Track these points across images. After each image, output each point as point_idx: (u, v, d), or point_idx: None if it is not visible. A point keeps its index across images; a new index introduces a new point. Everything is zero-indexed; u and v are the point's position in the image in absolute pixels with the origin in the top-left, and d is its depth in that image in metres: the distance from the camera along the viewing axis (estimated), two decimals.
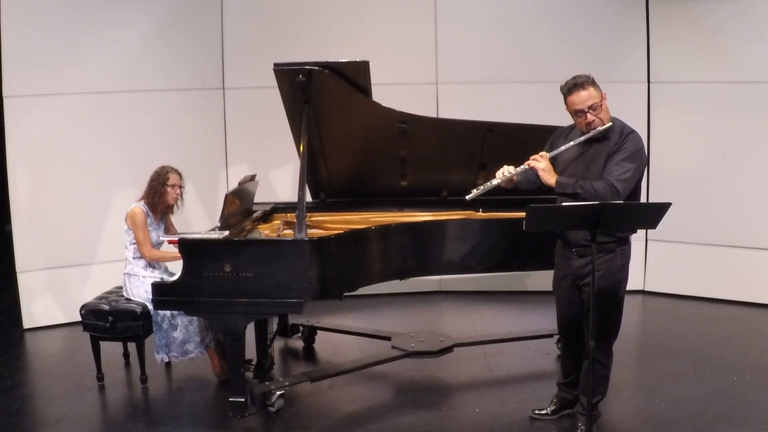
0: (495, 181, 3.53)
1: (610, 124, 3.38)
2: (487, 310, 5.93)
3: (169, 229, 4.57)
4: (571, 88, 3.35)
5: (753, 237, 5.75)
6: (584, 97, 3.32)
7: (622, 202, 3.26)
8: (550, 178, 3.43)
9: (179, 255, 4.19)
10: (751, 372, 4.37)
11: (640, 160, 3.37)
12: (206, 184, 5.96)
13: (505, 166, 3.54)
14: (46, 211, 5.52)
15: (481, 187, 3.57)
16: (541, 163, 3.44)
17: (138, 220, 4.33)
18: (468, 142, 4.54)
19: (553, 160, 3.50)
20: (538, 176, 3.52)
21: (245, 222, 4.41)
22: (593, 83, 3.35)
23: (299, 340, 5.05)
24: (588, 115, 3.34)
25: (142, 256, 4.38)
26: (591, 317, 3.26)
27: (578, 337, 3.65)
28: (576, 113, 3.37)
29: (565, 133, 3.57)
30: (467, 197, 3.63)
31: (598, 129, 3.36)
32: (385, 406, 4.13)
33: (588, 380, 3.43)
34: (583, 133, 3.42)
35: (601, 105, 3.35)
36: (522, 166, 3.50)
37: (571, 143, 3.43)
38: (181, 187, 4.48)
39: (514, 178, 3.55)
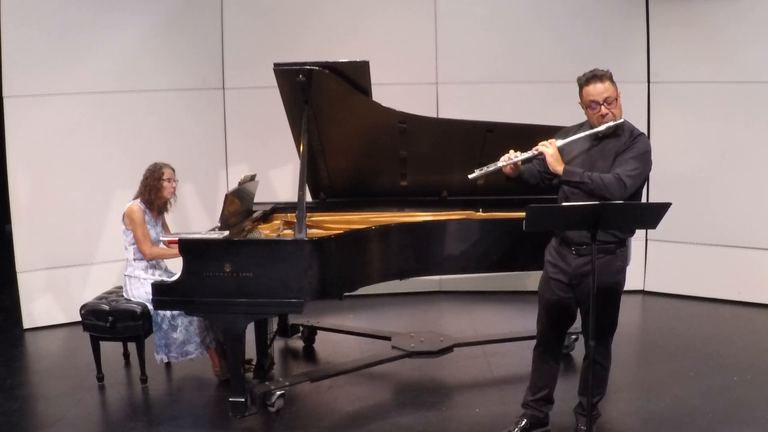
0: (500, 164, 3.47)
1: (623, 120, 3.37)
2: (487, 310, 5.93)
3: (163, 229, 4.56)
4: (589, 78, 3.34)
5: (753, 237, 5.75)
6: (601, 89, 3.31)
7: (621, 202, 3.26)
8: (558, 165, 3.37)
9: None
10: (751, 372, 4.37)
11: (647, 161, 3.36)
12: (206, 184, 5.96)
13: (511, 151, 3.49)
14: (46, 211, 5.52)
15: (485, 168, 3.51)
16: (549, 149, 3.39)
17: (136, 218, 4.32)
18: (468, 142, 4.54)
19: (561, 153, 3.46)
20: (540, 169, 3.49)
21: (245, 222, 4.40)
22: (611, 78, 3.35)
23: (299, 340, 5.05)
24: (602, 107, 3.32)
25: (142, 255, 4.38)
26: (591, 317, 3.25)
27: (558, 348, 3.60)
28: (590, 104, 3.35)
29: (573, 130, 3.54)
30: (470, 176, 3.55)
31: (609, 124, 3.34)
32: (385, 406, 4.13)
33: (587, 380, 3.42)
34: (593, 128, 3.40)
35: (616, 100, 3.34)
36: (529, 152, 3.44)
37: (582, 134, 3.41)
38: (176, 180, 4.49)
39: (519, 164, 3.49)
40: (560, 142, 3.43)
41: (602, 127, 3.35)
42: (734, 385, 4.20)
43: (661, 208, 3.17)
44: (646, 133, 5.94)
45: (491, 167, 3.49)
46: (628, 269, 4.65)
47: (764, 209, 5.68)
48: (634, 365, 4.70)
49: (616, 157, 3.35)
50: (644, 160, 3.34)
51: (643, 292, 6.19)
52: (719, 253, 5.89)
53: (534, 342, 3.67)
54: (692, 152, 5.90)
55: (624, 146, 3.35)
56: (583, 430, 3.48)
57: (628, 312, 5.75)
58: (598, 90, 3.31)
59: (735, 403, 3.96)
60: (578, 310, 3.55)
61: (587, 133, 3.40)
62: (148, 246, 4.35)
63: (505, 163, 3.46)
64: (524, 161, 3.48)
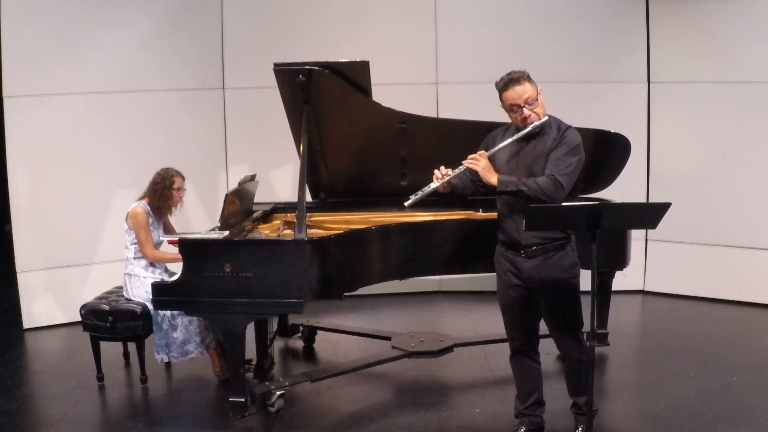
0: (433, 185, 3.40)
1: (547, 118, 3.33)
2: (487, 310, 5.91)
3: (167, 229, 4.56)
4: (506, 83, 3.29)
5: (753, 237, 5.75)
6: (520, 91, 3.27)
7: (621, 202, 3.26)
8: (491, 176, 3.33)
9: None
10: (751, 372, 4.37)
11: (580, 154, 3.33)
12: (206, 184, 5.96)
13: (443, 168, 3.43)
14: (46, 211, 5.52)
15: (419, 192, 3.44)
16: (480, 162, 3.34)
17: (140, 220, 4.33)
18: (468, 142, 4.50)
19: (490, 160, 3.40)
20: (474, 179, 3.44)
21: (245, 222, 4.40)
22: (529, 78, 3.31)
23: (299, 340, 5.05)
24: (524, 109, 3.29)
25: (144, 256, 4.38)
26: (591, 317, 3.25)
27: (533, 349, 3.57)
28: (512, 108, 3.31)
29: (500, 134, 3.50)
30: (406, 204, 3.50)
31: (535, 124, 3.30)
32: (385, 406, 4.13)
33: (579, 381, 3.45)
34: (519, 130, 3.36)
35: (537, 99, 3.31)
36: (459, 168, 3.40)
37: (510, 139, 3.36)
38: (184, 189, 4.50)
39: (452, 180, 3.44)
40: (490, 152, 3.38)
41: (528, 128, 3.31)
42: (734, 385, 4.20)
43: (661, 208, 3.16)
44: (645, 133, 5.99)
45: (426, 190, 3.42)
46: (629, 269, 4.68)
47: (764, 209, 5.68)
48: (634, 365, 4.70)
49: (548, 154, 3.31)
50: (576, 152, 3.31)
51: (643, 292, 6.19)
52: (719, 253, 5.89)
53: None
54: (692, 152, 5.90)
55: (554, 143, 3.32)
56: (582, 429, 3.48)
57: (628, 312, 5.77)
58: (517, 93, 3.27)
59: (735, 403, 3.96)
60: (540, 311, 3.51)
61: (515, 137, 3.35)
62: (151, 248, 4.36)
63: (438, 184, 3.40)
64: (455, 177, 3.42)
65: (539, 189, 3.23)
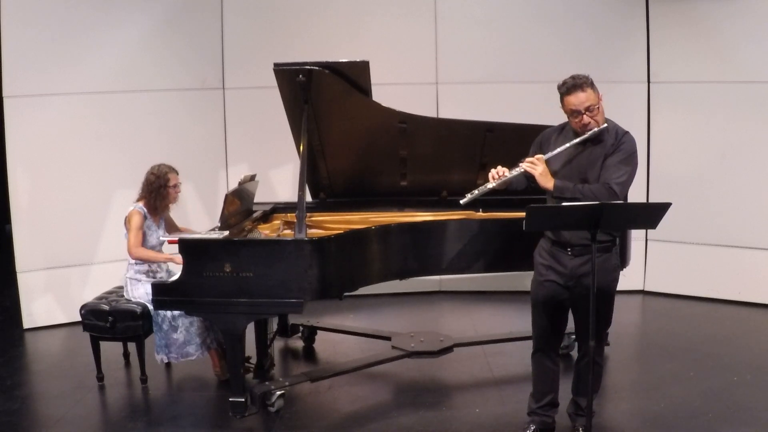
0: (490, 185, 3.42)
1: (606, 125, 3.33)
2: (487, 310, 5.93)
3: (170, 226, 4.55)
4: (570, 88, 3.29)
5: (753, 237, 5.75)
6: (582, 98, 3.27)
7: (621, 202, 3.26)
8: (547, 182, 3.35)
9: (165, 257, 4.27)
10: (751, 372, 4.37)
11: (634, 162, 3.35)
12: (206, 184, 5.96)
13: (500, 167, 3.44)
14: (46, 211, 5.52)
15: (476, 191, 3.47)
16: (538, 167, 3.35)
17: (133, 223, 4.32)
18: (468, 142, 4.54)
19: (545, 163, 3.42)
20: (529, 179, 3.45)
21: (245, 222, 4.41)
22: (591, 84, 3.31)
23: (299, 340, 5.05)
24: (584, 116, 3.29)
25: (129, 254, 4.36)
26: (591, 317, 3.25)
27: (557, 350, 3.58)
28: (572, 114, 3.32)
29: (555, 134, 3.50)
30: (462, 201, 3.51)
31: (593, 131, 3.31)
32: (385, 406, 4.13)
33: (584, 380, 3.44)
34: (576, 134, 3.36)
35: (598, 107, 3.31)
36: (517, 170, 3.41)
37: (567, 145, 3.36)
38: (180, 184, 4.48)
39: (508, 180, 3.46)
40: (547, 157, 3.39)
41: (586, 135, 3.32)
42: (734, 385, 4.20)
43: (661, 209, 3.16)
44: (645, 133, 5.99)
45: (482, 189, 3.44)
46: (629, 269, 4.68)
47: (764, 209, 5.68)
48: (634, 365, 4.70)
49: (604, 160, 3.32)
50: (631, 162, 3.33)
51: (643, 292, 6.19)
52: (719, 253, 5.89)
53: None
54: (692, 152, 5.90)
55: (611, 149, 3.32)
56: (580, 430, 3.47)
57: (628, 312, 5.77)
58: (579, 99, 3.27)
59: (735, 403, 3.96)
60: (569, 311, 3.52)
61: (573, 143, 3.35)
62: (135, 247, 4.32)
63: (495, 184, 3.41)
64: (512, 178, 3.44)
65: (593, 197, 3.24)
